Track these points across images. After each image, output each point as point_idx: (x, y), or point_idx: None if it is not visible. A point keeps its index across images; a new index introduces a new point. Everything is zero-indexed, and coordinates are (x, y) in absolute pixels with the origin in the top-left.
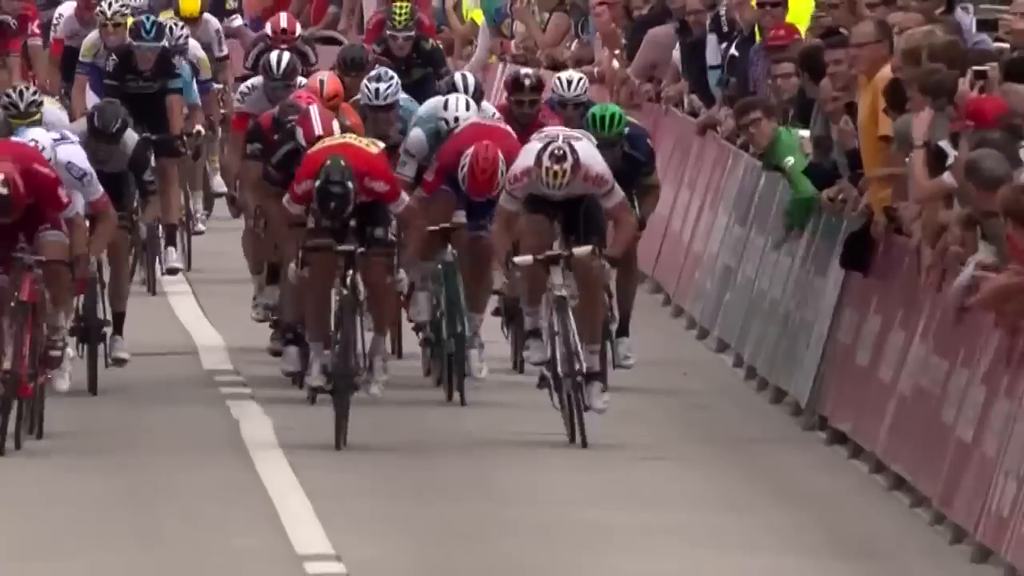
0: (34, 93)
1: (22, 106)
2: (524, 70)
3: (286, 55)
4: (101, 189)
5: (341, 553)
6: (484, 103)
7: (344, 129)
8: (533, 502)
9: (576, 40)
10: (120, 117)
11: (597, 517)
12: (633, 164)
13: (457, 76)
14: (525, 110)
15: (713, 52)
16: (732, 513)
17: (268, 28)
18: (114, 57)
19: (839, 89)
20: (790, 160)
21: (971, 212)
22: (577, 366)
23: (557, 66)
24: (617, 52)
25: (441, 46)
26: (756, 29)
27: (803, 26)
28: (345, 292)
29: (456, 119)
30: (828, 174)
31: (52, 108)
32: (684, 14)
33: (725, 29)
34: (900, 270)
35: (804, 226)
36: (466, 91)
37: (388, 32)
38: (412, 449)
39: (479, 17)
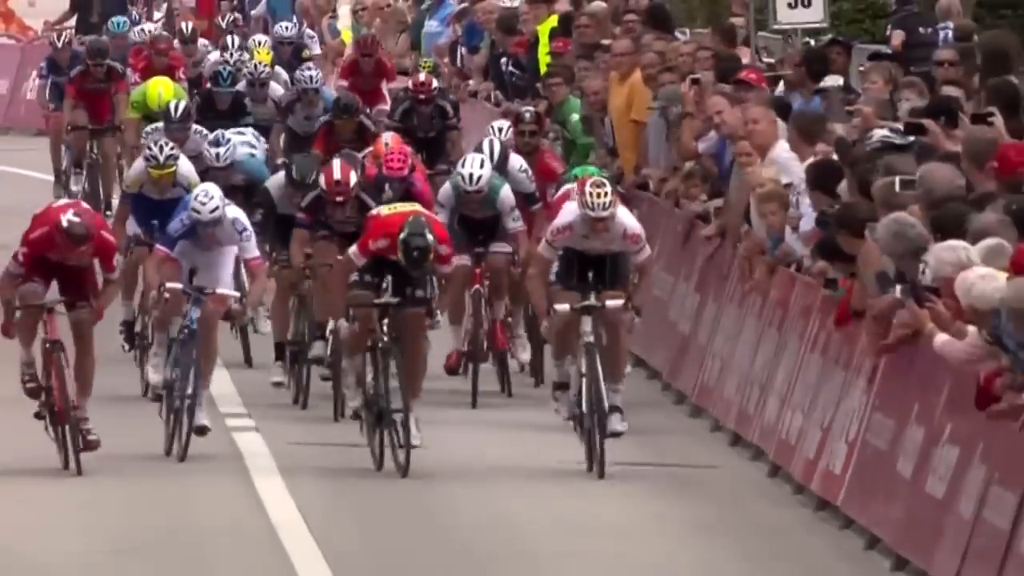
0: (171, 148)
1: (161, 159)
2: (525, 108)
3: (183, 102)
4: (257, 251)
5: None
6: (512, 160)
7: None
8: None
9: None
10: (315, 169)
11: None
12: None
13: (485, 143)
14: (527, 139)
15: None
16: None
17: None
18: (198, 98)
19: (596, 89)
20: (574, 116)
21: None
22: (601, 405)
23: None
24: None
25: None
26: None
27: (544, 38)
28: (384, 341)
29: (471, 176)
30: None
31: (184, 161)
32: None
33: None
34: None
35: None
36: (492, 158)
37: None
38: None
39: (348, 37)
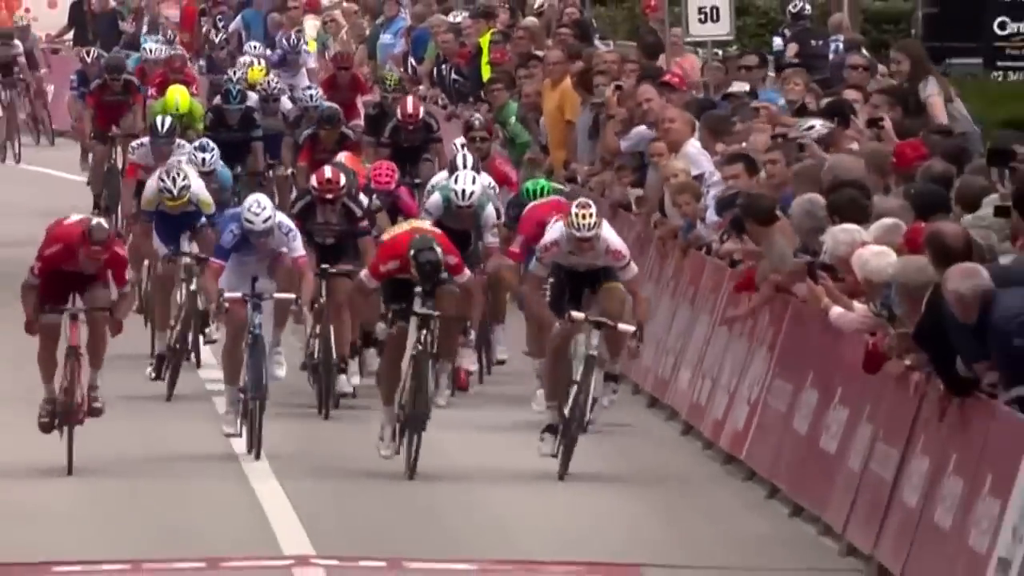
0: (184, 179)
1: (175, 191)
2: (475, 115)
3: (169, 118)
4: (303, 250)
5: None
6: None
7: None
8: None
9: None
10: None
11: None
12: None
13: (458, 157)
14: (477, 145)
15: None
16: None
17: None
18: (210, 114)
19: (531, 92)
20: (512, 119)
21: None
22: (584, 416)
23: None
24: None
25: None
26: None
27: (485, 49)
28: (420, 348)
29: (464, 191)
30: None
31: (196, 180)
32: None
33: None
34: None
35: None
36: (466, 166)
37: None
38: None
39: (312, 46)
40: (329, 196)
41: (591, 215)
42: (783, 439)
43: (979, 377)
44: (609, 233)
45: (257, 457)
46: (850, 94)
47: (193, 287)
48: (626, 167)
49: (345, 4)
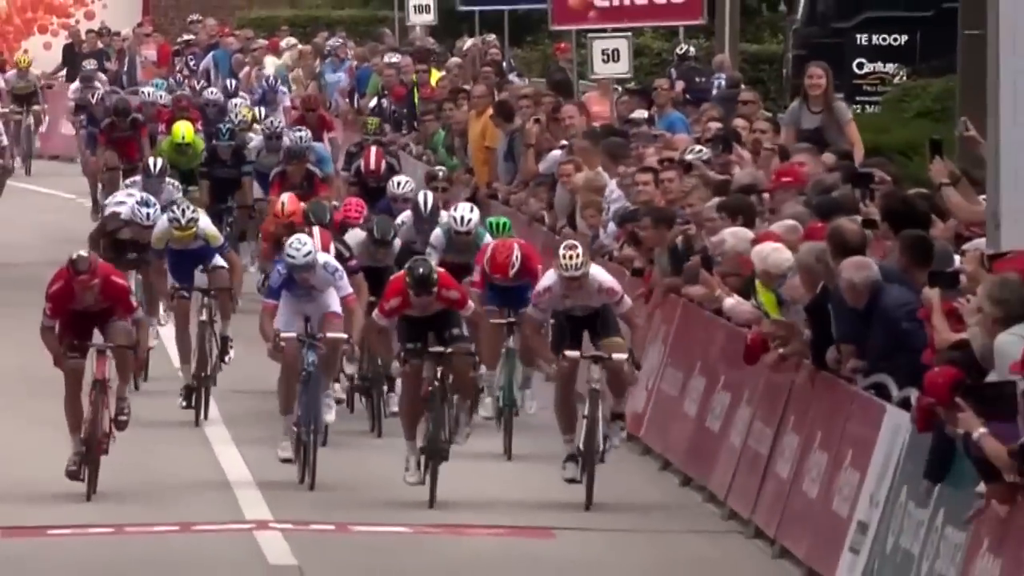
0: (193, 211)
1: (183, 221)
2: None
3: (160, 160)
4: (351, 288)
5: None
6: (441, 215)
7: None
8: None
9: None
10: (392, 229)
11: None
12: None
13: (420, 197)
14: (439, 193)
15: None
16: None
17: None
18: (206, 152)
19: (459, 121)
20: (440, 146)
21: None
22: (596, 443)
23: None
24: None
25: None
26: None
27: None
28: (436, 384)
29: (462, 218)
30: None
31: (203, 217)
32: None
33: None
34: None
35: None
36: (426, 207)
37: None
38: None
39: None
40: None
41: (578, 255)
42: (674, 420)
43: (844, 361)
44: (599, 272)
45: (311, 488)
46: (738, 122)
47: (203, 318)
48: (542, 186)
49: (300, 47)
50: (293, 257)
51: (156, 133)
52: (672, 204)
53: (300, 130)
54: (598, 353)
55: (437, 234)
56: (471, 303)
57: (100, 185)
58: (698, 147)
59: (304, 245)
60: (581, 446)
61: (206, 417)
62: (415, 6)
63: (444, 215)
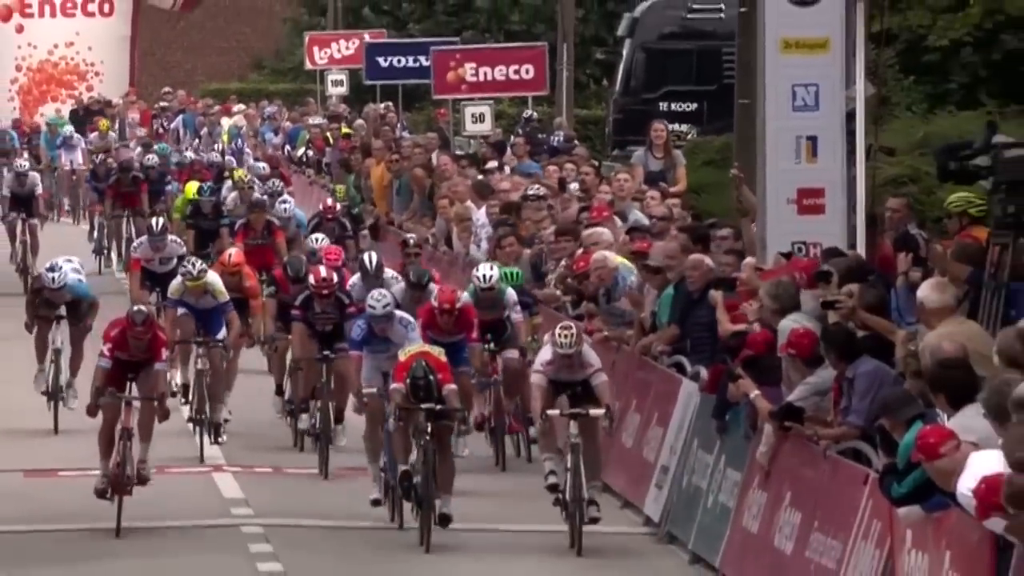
0: (202, 265)
1: (195, 273)
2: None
3: (162, 219)
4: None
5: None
6: (386, 271)
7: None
8: None
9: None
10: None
11: None
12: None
13: (365, 257)
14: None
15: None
16: None
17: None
18: (190, 206)
19: (364, 168)
20: (350, 184)
21: None
22: (582, 494)
23: None
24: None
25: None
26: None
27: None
28: (427, 439)
29: (485, 276)
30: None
31: (212, 275)
32: None
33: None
34: None
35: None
36: (371, 265)
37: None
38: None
39: (226, 138)
40: (325, 292)
41: (572, 334)
42: (609, 447)
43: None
44: (587, 352)
45: (400, 528)
46: (569, 167)
47: (200, 367)
48: (426, 216)
49: (247, 111)
50: (374, 308)
51: (160, 190)
52: (536, 227)
53: (278, 190)
54: (575, 410)
55: (464, 298)
56: (452, 385)
57: (101, 224)
58: (536, 186)
59: (384, 297)
60: (567, 496)
61: (215, 440)
62: (332, 80)
63: (357, 280)
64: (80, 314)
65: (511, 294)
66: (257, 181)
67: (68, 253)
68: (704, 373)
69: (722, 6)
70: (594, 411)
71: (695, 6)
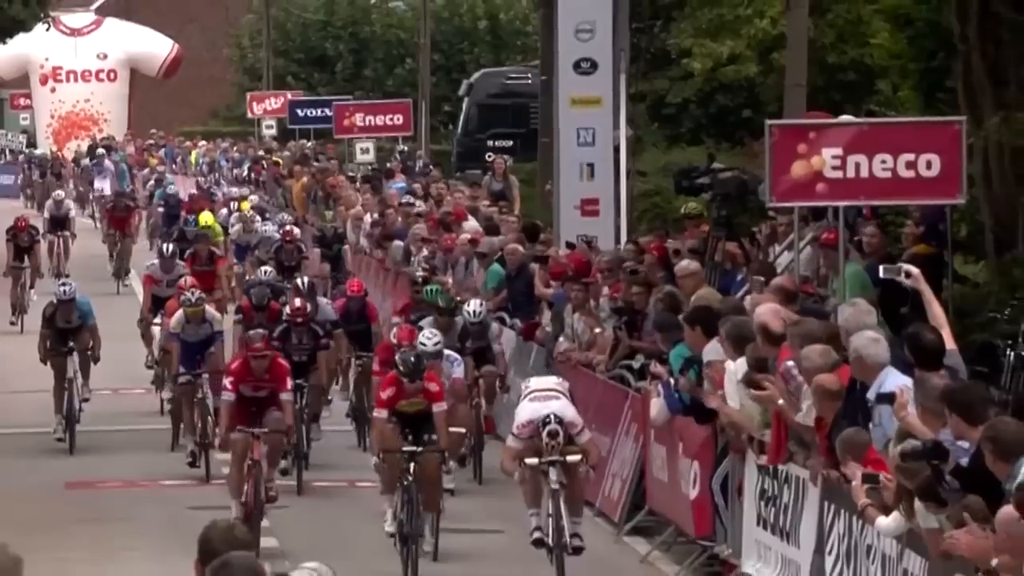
0: (200, 294)
1: (193, 299)
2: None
3: (172, 245)
4: (462, 372)
5: None
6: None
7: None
8: None
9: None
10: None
11: None
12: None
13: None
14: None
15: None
16: None
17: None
18: (175, 231)
19: (289, 185)
20: (281, 196)
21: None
22: (564, 538)
23: None
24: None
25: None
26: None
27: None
28: (410, 480)
29: (474, 311)
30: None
31: (209, 307)
32: None
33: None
34: None
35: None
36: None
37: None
38: None
39: (193, 165)
40: (299, 320)
41: (558, 443)
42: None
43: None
44: (568, 409)
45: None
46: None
47: (199, 396)
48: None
49: (209, 145)
50: (425, 345)
51: (176, 215)
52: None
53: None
54: (554, 458)
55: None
56: (444, 403)
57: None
58: (409, 197)
59: (435, 335)
60: (551, 540)
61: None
62: (265, 125)
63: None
64: (84, 340)
65: (494, 328)
66: (258, 217)
67: (94, 265)
68: (519, 324)
69: (529, 75)
70: (571, 458)
71: (512, 75)
